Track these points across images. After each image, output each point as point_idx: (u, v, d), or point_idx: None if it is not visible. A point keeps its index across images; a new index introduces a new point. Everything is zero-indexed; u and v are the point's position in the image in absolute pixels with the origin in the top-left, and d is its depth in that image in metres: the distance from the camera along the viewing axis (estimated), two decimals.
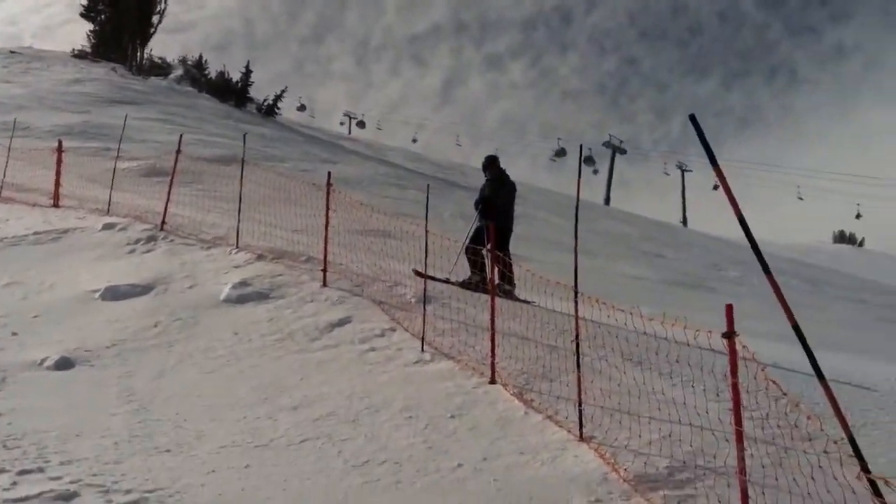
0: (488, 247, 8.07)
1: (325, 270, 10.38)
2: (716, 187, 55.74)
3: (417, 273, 10.24)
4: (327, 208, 10.71)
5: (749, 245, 4.43)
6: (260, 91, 71.96)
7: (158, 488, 5.12)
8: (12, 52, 35.38)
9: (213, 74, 36.22)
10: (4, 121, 20.82)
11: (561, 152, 56.22)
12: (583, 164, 6.82)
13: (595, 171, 56.01)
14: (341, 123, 61.76)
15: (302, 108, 62.77)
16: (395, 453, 5.84)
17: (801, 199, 50.45)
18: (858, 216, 46.11)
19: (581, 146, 6.98)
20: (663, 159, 58.09)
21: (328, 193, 10.76)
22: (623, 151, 57.28)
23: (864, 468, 3.77)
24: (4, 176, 16.22)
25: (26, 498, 4.80)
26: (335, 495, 5.21)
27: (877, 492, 3.74)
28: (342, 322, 9.02)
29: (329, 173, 11.27)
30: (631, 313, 5.68)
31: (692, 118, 4.08)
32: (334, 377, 7.57)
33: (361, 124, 61.00)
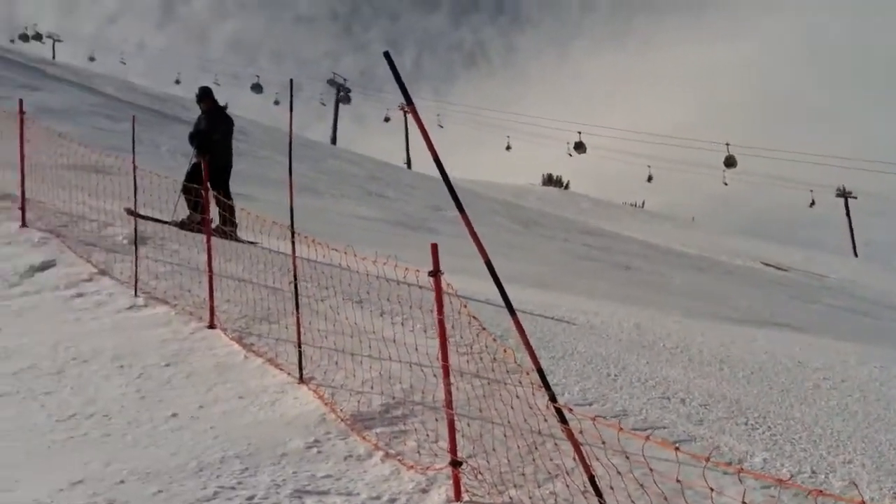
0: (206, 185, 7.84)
1: (23, 209, 9.52)
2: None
3: (130, 212, 9.71)
4: (21, 139, 9.76)
5: (457, 187, 4.65)
6: None
7: None
8: None
9: None
10: None
11: (257, 87, 55.08)
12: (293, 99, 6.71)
13: (276, 102, 55.32)
14: (33, 37, 55.93)
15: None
16: (105, 405, 5.56)
17: (509, 147, 53.11)
18: (650, 179, 47.79)
19: (291, 80, 6.87)
20: (386, 106, 58.43)
21: (21, 122, 9.80)
22: (347, 90, 57.19)
23: (552, 398, 4.15)
24: None
25: None
26: (37, 452, 4.88)
27: (563, 419, 4.13)
28: (45, 266, 8.36)
29: (21, 101, 10.22)
30: (346, 252, 5.77)
31: (386, 55, 4.02)
32: (36, 326, 7.03)
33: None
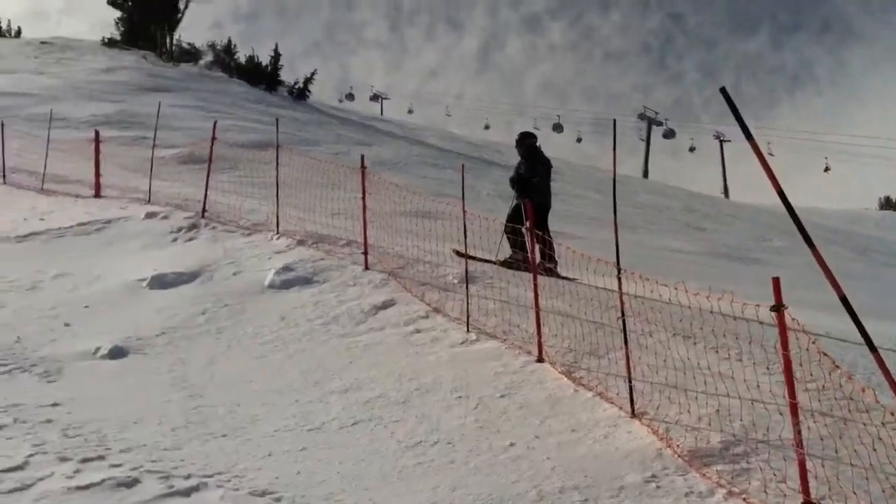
0: (527, 225, 8.06)
1: (365, 253, 10.44)
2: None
3: (458, 253, 10.26)
4: (363, 191, 10.73)
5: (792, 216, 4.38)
6: (291, 64, 71.15)
7: (217, 472, 5.21)
8: (43, 42, 35.87)
9: (242, 59, 36.45)
10: (41, 112, 21.12)
11: (558, 127, 56.06)
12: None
13: (579, 140, 56.84)
14: (371, 98, 61.38)
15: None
16: (448, 433, 5.88)
17: (827, 169, 50.19)
18: None
19: (615, 120, 6.88)
20: (690, 136, 57.56)
21: (363, 176, 10.79)
22: (659, 123, 56.48)
23: None
24: (45, 168, 16.46)
25: (89, 485, 4.90)
26: (390, 476, 5.26)
27: None
28: (386, 305, 9.07)
29: (363, 156, 11.31)
30: (675, 288, 5.64)
31: (723, 91, 3.99)
32: (382, 359, 7.62)
33: (381, 99, 61.05)
